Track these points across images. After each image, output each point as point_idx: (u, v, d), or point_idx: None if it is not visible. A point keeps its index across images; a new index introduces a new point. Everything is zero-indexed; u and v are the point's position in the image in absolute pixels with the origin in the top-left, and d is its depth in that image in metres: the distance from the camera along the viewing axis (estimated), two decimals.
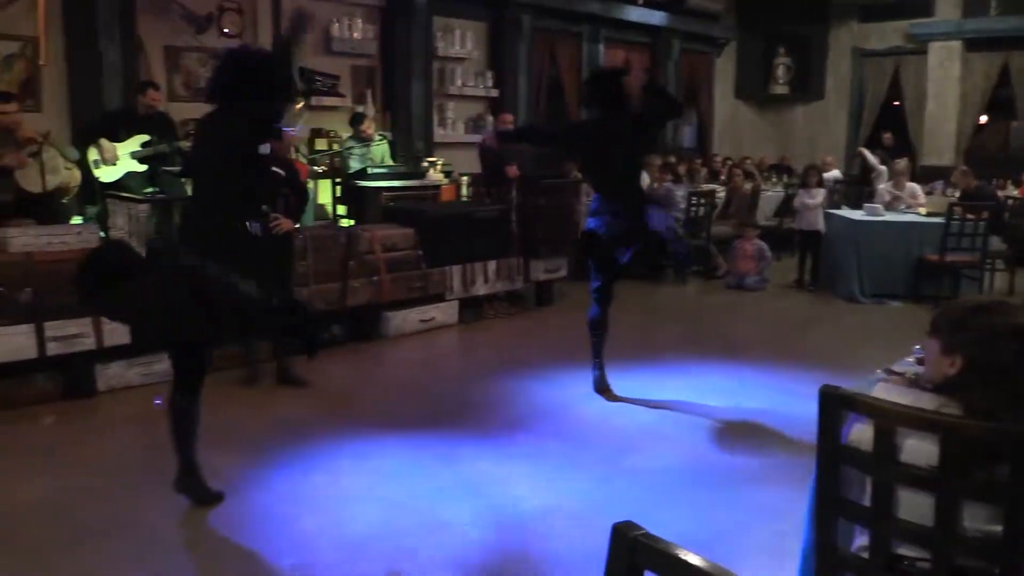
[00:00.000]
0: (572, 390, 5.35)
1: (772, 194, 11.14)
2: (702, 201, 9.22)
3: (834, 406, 1.89)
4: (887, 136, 12.54)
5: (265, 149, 3.68)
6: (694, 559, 1.09)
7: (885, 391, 1.92)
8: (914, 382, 1.94)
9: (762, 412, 4.91)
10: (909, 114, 13.49)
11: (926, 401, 1.84)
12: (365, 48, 9.11)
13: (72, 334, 4.90)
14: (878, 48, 13.70)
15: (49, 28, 6.73)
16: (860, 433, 1.88)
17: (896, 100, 13.82)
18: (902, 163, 9.68)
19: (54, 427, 4.67)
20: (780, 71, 14.24)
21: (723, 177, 11.45)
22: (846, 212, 8.89)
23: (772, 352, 6.27)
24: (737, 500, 3.76)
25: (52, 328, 4.82)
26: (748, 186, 10.66)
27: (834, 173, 11.62)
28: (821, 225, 8.68)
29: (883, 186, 9.72)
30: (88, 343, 4.95)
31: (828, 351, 6.31)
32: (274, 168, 4.87)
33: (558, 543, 3.31)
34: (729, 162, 12.24)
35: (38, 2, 6.60)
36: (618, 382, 5.33)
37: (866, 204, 8.91)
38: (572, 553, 3.20)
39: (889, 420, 1.80)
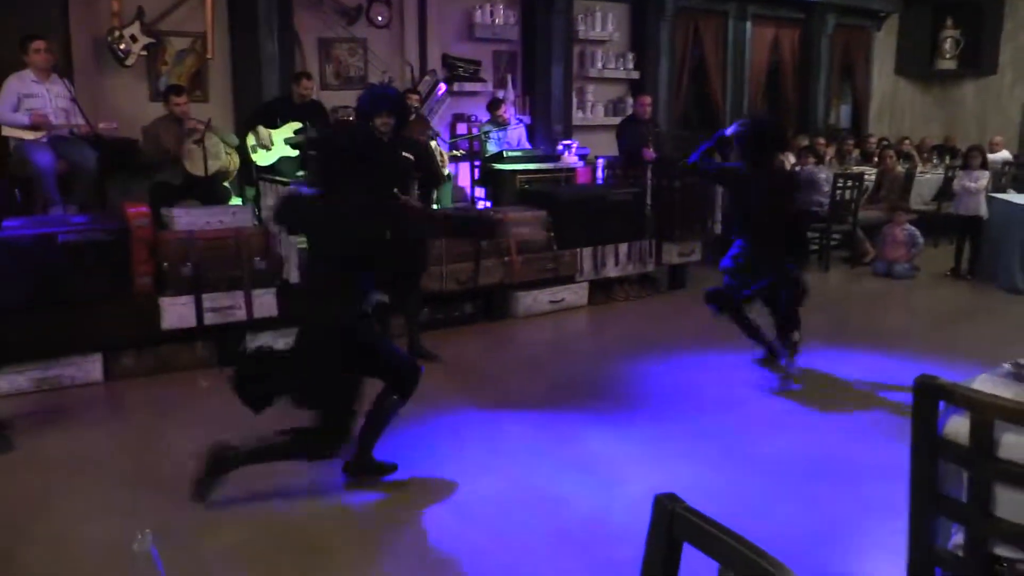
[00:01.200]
0: (698, 374, 5.31)
1: (932, 176, 10.46)
2: (849, 183, 8.80)
3: (930, 396, 1.84)
4: None
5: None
6: (727, 534, 1.13)
7: (988, 384, 1.84)
8: (1018, 374, 1.84)
9: (900, 408, 4.68)
10: None
11: None
12: (506, 33, 9.26)
13: (226, 306, 5.34)
14: None
15: (215, 24, 7.28)
16: (956, 425, 1.81)
17: None
18: None
19: (210, 390, 5.11)
20: (947, 44, 13.25)
21: (876, 159, 10.85)
22: (1011, 196, 8.24)
23: (920, 345, 5.95)
24: (857, 496, 3.64)
25: (209, 300, 5.28)
26: (901, 168, 10.06)
27: (1003, 154, 10.78)
28: (983, 210, 8.08)
29: None
30: (240, 315, 5.38)
31: (982, 345, 5.90)
32: (404, 153, 5.11)
33: None
34: (884, 142, 11.57)
35: (206, 0, 7.16)
36: (747, 371, 5.24)
37: None
38: None
39: (986, 413, 1.73)
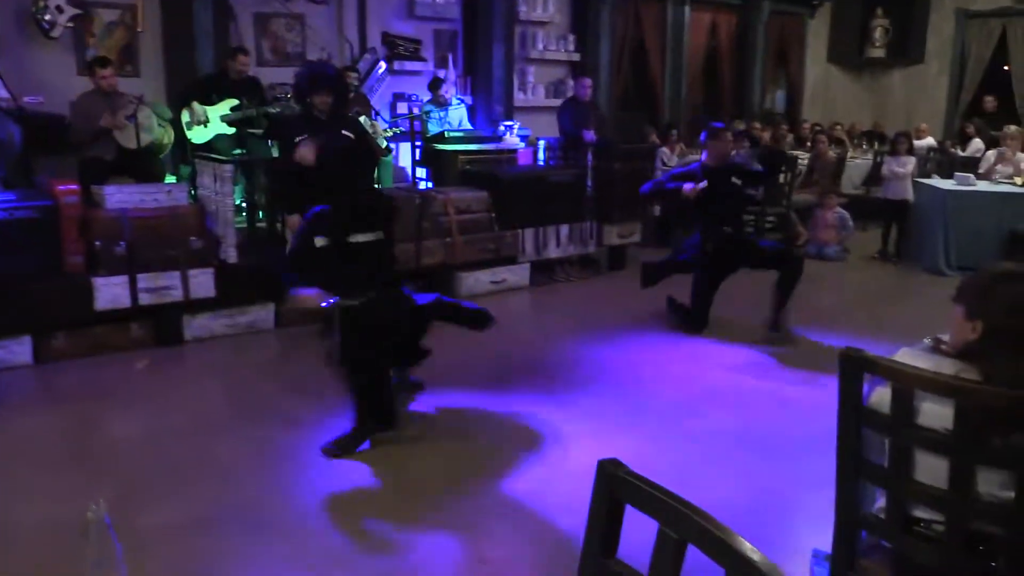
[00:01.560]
0: (638, 354, 5.41)
1: (861, 162, 10.80)
2: (783, 168, 9.01)
3: (855, 368, 1.93)
4: (989, 101, 11.93)
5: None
6: (667, 496, 1.18)
7: (907, 355, 1.94)
8: (936, 347, 1.95)
9: (831, 383, 4.85)
10: (1016, 79, 12.78)
11: (946, 366, 1.85)
12: (447, 12, 9.21)
13: (162, 286, 5.24)
14: (984, 9, 12.97)
15: None
16: (880, 396, 1.91)
17: (1002, 65, 13.09)
18: (1013, 129, 9.14)
19: (145, 372, 5.02)
20: (877, 33, 13.65)
21: (809, 144, 11.14)
22: (936, 181, 8.56)
23: (849, 324, 6.17)
24: (791, 468, 3.77)
25: (144, 280, 5.17)
26: (833, 153, 10.35)
27: (928, 141, 11.17)
28: (910, 194, 8.37)
29: (990, 152, 9.25)
30: (176, 295, 5.29)
31: (908, 324, 6.13)
32: (344, 132, 5.08)
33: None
34: (817, 128, 11.88)
35: None
36: (684, 348, 5.36)
37: (957, 173, 8.56)
38: None
39: (907, 383, 1.82)
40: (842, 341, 5.63)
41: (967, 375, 1.80)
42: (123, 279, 5.11)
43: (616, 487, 1.24)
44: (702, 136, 6.00)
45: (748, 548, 1.07)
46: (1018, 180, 8.19)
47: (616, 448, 3.89)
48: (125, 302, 5.13)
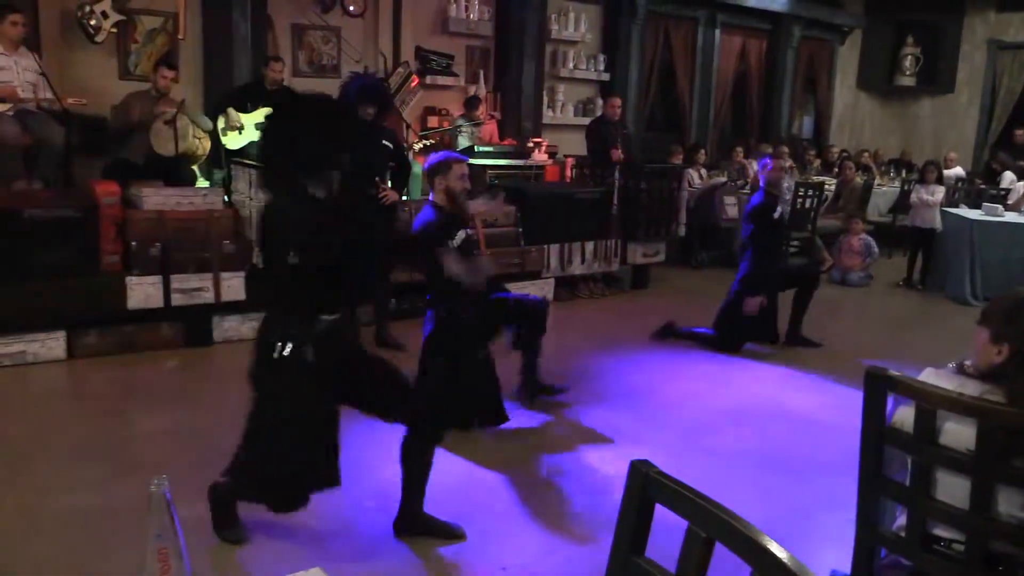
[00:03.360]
0: (658, 372, 5.44)
1: (888, 189, 10.78)
2: (810, 192, 9.04)
3: (879, 387, 1.96)
4: (1020, 134, 11.87)
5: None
6: (698, 496, 1.23)
7: (931, 376, 1.97)
8: (961, 369, 1.98)
9: (851, 408, 4.86)
10: None
11: (971, 387, 1.88)
12: (480, 29, 9.32)
13: (195, 287, 5.35)
14: (1016, 40, 12.95)
15: (188, 4, 7.23)
16: (903, 415, 1.94)
17: None
18: None
19: (175, 371, 5.12)
20: (907, 62, 13.65)
21: (836, 170, 11.14)
22: (964, 211, 8.54)
23: (870, 350, 6.15)
24: (810, 488, 3.79)
25: (177, 281, 5.28)
26: (860, 179, 10.35)
27: (956, 171, 11.14)
28: (938, 223, 8.36)
29: (1021, 183, 9.24)
30: (208, 296, 5.39)
31: (930, 352, 6.09)
32: (384, 141, 5.18)
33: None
34: (844, 154, 11.89)
35: None
36: (706, 367, 5.39)
37: (985, 204, 8.54)
38: None
39: (930, 403, 1.86)
40: (863, 365, 5.66)
41: (991, 397, 1.83)
42: (157, 279, 5.22)
43: (647, 486, 1.29)
44: (763, 161, 6.07)
45: (776, 547, 1.12)
46: None
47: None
48: (158, 302, 5.24)
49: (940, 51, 13.44)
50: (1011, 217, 8.14)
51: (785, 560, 1.09)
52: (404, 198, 5.97)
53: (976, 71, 13.36)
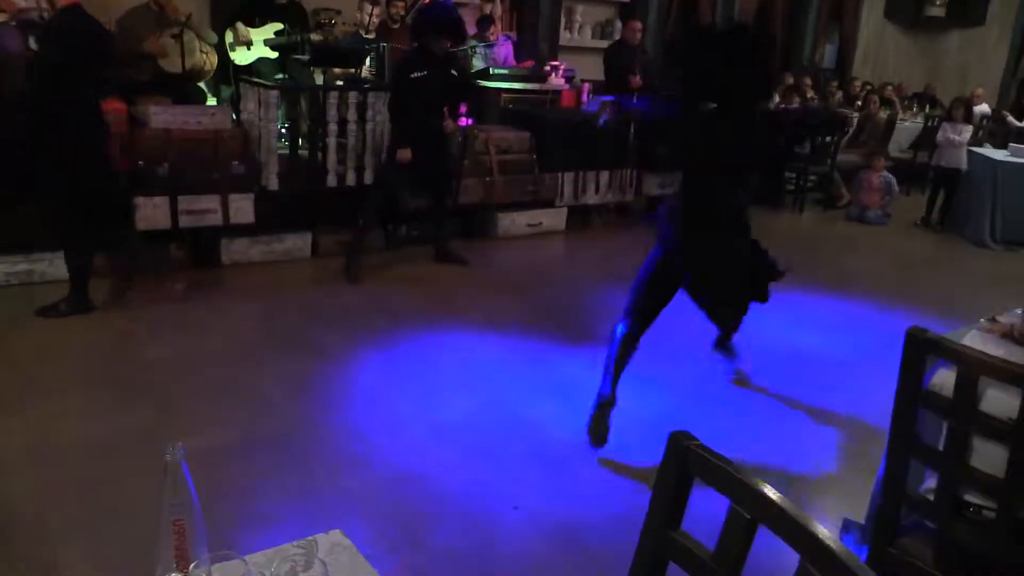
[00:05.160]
0: (673, 307, 5.36)
1: (911, 125, 10.51)
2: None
3: (920, 349, 1.88)
4: None
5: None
6: (739, 472, 1.16)
7: (978, 340, 1.89)
8: (1008, 334, 1.90)
9: (865, 351, 4.83)
10: None
11: (1019, 355, 1.81)
12: None
13: (203, 208, 5.25)
14: None
15: None
16: (943, 378, 1.87)
17: None
18: None
19: (182, 293, 5.06)
20: None
21: (859, 103, 10.85)
22: (988, 151, 8.32)
23: (886, 291, 6.08)
24: (823, 436, 3.77)
25: (184, 202, 5.18)
26: (884, 114, 10.08)
27: (982, 108, 10.83)
28: (963, 163, 8.14)
29: None
30: (215, 219, 5.30)
31: (945, 295, 6.06)
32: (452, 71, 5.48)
33: (633, 451, 3.42)
34: (868, 87, 11.55)
35: None
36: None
37: (1012, 144, 8.32)
38: (645, 462, 3.32)
39: (973, 368, 1.78)
40: (875, 308, 5.59)
41: None
42: (164, 200, 5.12)
43: (688, 460, 1.22)
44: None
45: (825, 534, 1.05)
46: None
47: (649, 404, 3.92)
48: (165, 223, 5.15)
49: None
50: None
51: (836, 550, 1.03)
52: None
53: (1009, 4, 12.88)
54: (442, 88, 5.52)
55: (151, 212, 5.11)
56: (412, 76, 5.37)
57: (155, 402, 3.59)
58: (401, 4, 7.64)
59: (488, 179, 6.51)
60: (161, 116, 5.20)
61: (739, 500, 1.15)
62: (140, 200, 5.06)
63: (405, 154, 5.40)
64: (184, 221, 5.22)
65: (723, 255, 3.56)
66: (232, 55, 6.53)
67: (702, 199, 3.53)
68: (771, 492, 1.13)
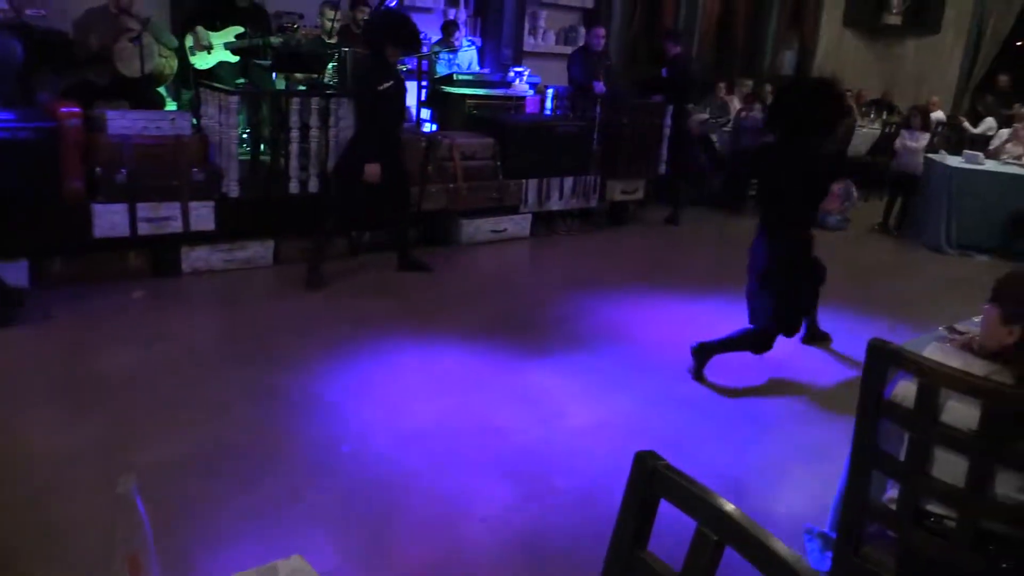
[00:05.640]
0: (635, 313, 5.40)
1: (868, 131, 10.70)
2: None
3: (881, 360, 1.90)
4: (1003, 79, 11.80)
5: None
6: (706, 494, 1.16)
7: (937, 352, 1.92)
8: (967, 345, 1.93)
9: (824, 354, 4.89)
10: None
11: (978, 367, 1.83)
12: None
13: (162, 216, 5.16)
14: None
15: None
16: (904, 389, 1.89)
17: (1019, 40, 12.92)
18: None
19: (142, 302, 4.97)
20: (895, 0, 13.39)
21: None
22: (944, 157, 8.49)
23: (843, 295, 6.14)
24: (783, 439, 3.80)
25: (144, 209, 5.08)
26: (844, 120, 10.22)
27: (938, 115, 11.06)
28: (920, 169, 8.31)
29: (1004, 131, 9.19)
30: (176, 226, 5.21)
31: (902, 299, 6.16)
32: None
33: (597, 459, 3.43)
34: None
35: None
36: (686, 310, 5.35)
37: (966, 151, 8.49)
38: (608, 470, 3.32)
39: (935, 380, 1.80)
40: (836, 313, 5.66)
41: (998, 377, 1.78)
42: (123, 207, 5.02)
43: (654, 481, 1.22)
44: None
45: (792, 557, 1.05)
46: None
47: (612, 409, 3.93)
48: (124, 231, 5.05)
49: None
50: (990, 166, 8.10)
51: (803, 573, 1.03)
52: None
53: (963, 13, 13.17)
54: (404, 96, 5.51)
55: (109, 219, 5.00)
56: (380, 88, 5.31)
57: (112, 414, 3.51)
58: (366, 9, 7.59)
59: (452, 185, 6.49)
60: (119, 122, 5.10)
61: (705, 521, 1.15)
62: (98, 208, 4.96)
63: (375, 170, 5.32)
64: (143, 229, 5.12)
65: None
66: (192, 59, 6.43)
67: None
68: (737, 513, 1.13)
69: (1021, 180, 7.76)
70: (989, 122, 10.74)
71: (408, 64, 8.09)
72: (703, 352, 4.41)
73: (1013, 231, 7.59)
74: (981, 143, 9.50)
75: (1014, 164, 8.20)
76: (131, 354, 4.18)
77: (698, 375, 4.39)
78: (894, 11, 13.41)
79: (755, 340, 4.29)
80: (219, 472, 3.13)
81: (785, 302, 4.20)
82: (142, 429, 3.41)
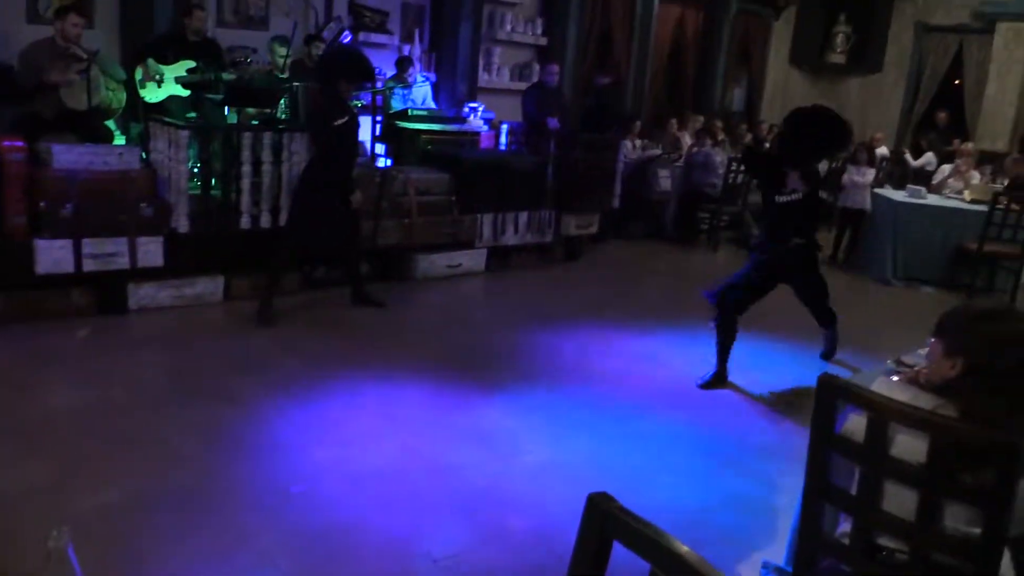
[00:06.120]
0: (591, 348, 5.41)
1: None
2: (741, 168, 9.09)
3: (830, 395, 1.92)
4: (942, 116, 12.21)
5: None
6: (660, 536, 1.14)
7: (885, 386, 1.94)
8: (914, 380, 1.96)
9: (778, 387, 4.94)
10: (968, 95, 13.10)
11: (924, 400, 1.86)
12: None
13: (108, 252, 5.04)
14: (943, 23, 13.25)
15: None
16: (854, 424, 1.91)
17: (956, 79, 13.41)
18: (970, 146, 9.42)
19: (87, 340, 4.84)
20: (839, 40, 13.81)
21: (767, 144, 11.24)
22: (888, 192, 8.73)
23: (794, 327, 6.23)
24: (740, 473, 3.81)
25: (90, 245, 4.97)
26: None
27: (882, 150, 11.38)
28: (868, 204, 8.53)
29: (946, 166, 9.50)
30: (123, 263, 5.09)
31: (851, 331, 6.22)
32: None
33: (553, 498, 3.39)
34: (776, 129, 11.99)
35: None
36: (640, 345, 5.37)
37: (909, 186, 8.75)
38: (564, 510, 3.29)
39: (883, 415, 1.82)
40: (788, 345, 5.75)
41: (944, 411, 1.81)
42: (67, 243, 4.89)
43: (607, 524, 1.20)
44: None
45: None
46: (967, 195, 8.40)
47: (569, 446, 3.91)
48: (68, 267, 4.93)
49: (870, 31, 13.64)
50: (933, 200, 8.35)
51: None
52: None
53: (903, 52, 13.64)
54: (357, 131, 5.50)
55: (53, 255, 4.87)
56: (336, 124, 5.30)
57: (56, 455, 3.39)
58: (320, 44, 7.60)
59: (407, 220, 6.47)
60: (65, 155, 4.99)
61: (659, 563, 1.13)
62: (41, 243, 4.83)
63: (360, 197, 5.60)
64: (88, 265, 4.99)
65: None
66: (142, 92, 6.35)
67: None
68: (691, 555, 1.11)
69: (962, 214, 7.99)
70: (928, 156, 11.07)
71: (363, 99, 8.11)
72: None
73: (956, 263, 7.81)
74: (923, 177, 9.78)
75: (956, 198, 8.45)
76: (75, 395, 4.05)
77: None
78: (838, 50, 13.84)
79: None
80: (165, 515, 3.03)
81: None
82: (86, 472, 3.30)
